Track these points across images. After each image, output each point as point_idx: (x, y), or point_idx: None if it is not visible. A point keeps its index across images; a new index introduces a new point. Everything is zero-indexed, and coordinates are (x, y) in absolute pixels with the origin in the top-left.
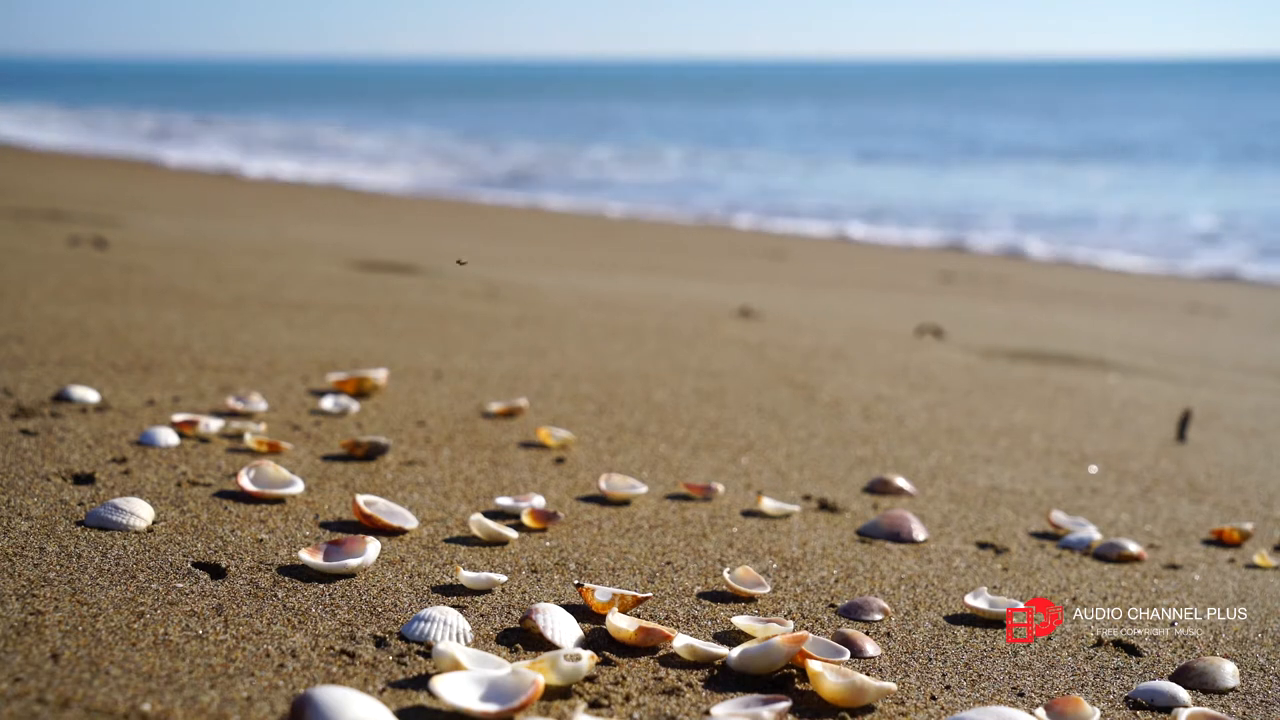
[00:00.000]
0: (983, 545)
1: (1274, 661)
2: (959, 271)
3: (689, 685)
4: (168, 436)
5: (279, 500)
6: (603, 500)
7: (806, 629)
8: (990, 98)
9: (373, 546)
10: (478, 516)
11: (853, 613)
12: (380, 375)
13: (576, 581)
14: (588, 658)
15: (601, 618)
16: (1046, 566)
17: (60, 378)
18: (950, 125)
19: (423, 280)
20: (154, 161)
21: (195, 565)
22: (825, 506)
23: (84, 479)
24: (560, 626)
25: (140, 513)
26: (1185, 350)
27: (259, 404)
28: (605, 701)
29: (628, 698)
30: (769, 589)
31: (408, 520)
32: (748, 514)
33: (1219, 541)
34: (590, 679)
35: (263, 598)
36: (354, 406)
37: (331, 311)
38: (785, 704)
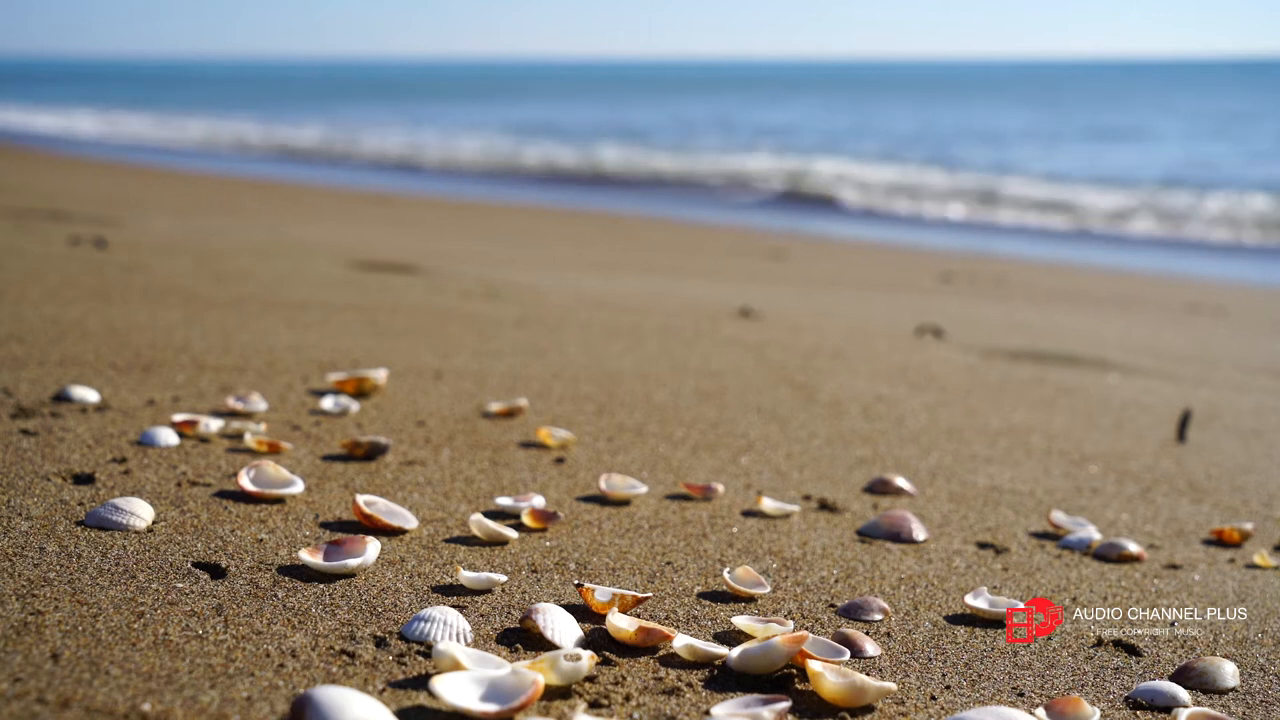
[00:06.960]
0: (983, 545)
1: (1274, 661)
2: (959, 272)
3: (689, 685)
4: (168, 436)
5: (279, 500)
6: (603, 500)
7: (806, 629)
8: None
9: (373, 546)
10: (478, 516)
11: (853, 613)
12: (380, 375)
13: (576, 581)
14: (588, 658)
15: (601, 618)
16: (1046, 566)
17: (60, 378)
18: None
19: (423, 280)
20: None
21: (195, 565)
22: (825, 506)
23: (84, 479)
24: (560, 626)
25: (140, 513)
26: (1185, 350)
27: (259, 404)
28: (605, 701)
29: (628, 698)
30: (769, 589)
31: (408, 520)
32: (748, 514)
33: (1219, 541)
34: (590, 679)
35: (263, 598)
36: (354, 406)
37: (331, 311)
38: (785, 704)
